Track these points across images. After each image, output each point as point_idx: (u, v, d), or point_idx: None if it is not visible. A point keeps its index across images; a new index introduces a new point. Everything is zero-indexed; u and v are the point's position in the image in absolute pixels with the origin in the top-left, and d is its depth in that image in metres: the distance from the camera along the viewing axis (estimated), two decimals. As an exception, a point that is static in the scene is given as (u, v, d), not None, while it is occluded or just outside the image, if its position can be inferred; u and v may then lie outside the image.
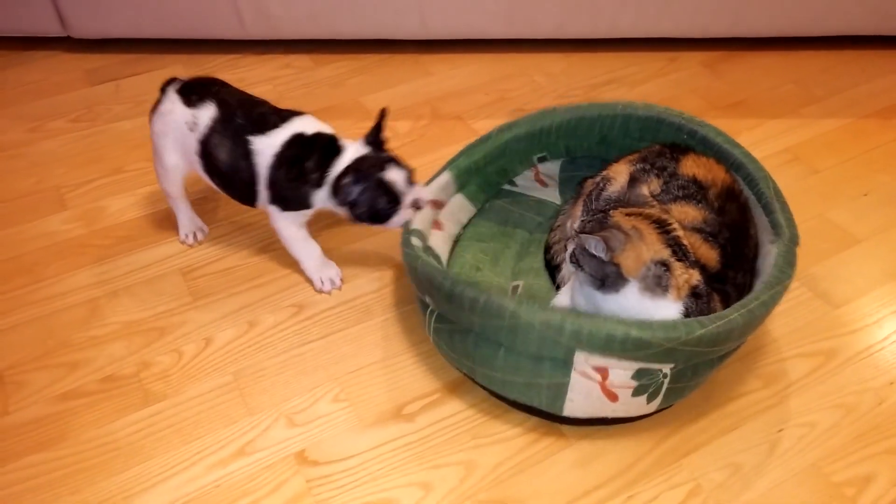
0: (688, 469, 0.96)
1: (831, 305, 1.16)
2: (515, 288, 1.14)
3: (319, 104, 1.61)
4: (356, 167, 1.05)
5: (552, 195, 1.30)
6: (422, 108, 1.60)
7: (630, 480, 0.95)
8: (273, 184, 1.09)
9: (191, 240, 1.28)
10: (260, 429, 1.01)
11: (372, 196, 1.05)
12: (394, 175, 1.06)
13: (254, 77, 1.71)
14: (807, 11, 1.63)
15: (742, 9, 1.63)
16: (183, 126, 1.13)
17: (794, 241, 0.99)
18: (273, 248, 1.26)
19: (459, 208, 1.22)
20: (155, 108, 1.17)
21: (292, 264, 1.22)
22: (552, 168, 1.29)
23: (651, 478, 0.95)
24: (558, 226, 1.21)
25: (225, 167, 1.12)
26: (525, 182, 1.29)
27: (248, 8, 1.67)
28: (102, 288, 1.20)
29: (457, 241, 1.21)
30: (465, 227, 1.24)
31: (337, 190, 1.06)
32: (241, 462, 0.97)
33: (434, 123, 1.56)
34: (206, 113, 1.11)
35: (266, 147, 1.08)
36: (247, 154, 1.09)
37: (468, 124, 1.55)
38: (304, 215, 1.14)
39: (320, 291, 1.20)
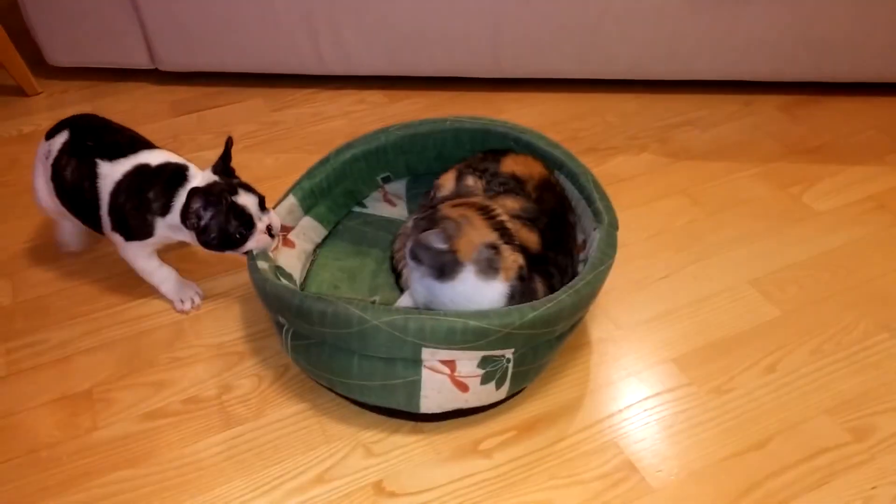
0: (775, 523, 0.93)
1: (923, 359, 1.12)
2: (373, 302, 1.17)
3: (394, 139, 1.65)
4: (206, 191, 1.05)
5: (401, 213, 1.34)
6: (495, 144, 1.62)
7: (714, 531, 0.92)
8: (113, 211, 1.12)
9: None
10: (338, 457, 1.01)
11: (223, 220, 1.05)
12: (245, 199, 1.07)
13: (330, 111, 1.76)
14: (890, 57, 1.61)
15: (822, 53, 1.61)
16: (43, 159, 1.18)
17: (613, 224, 1.08)
18: (350, 278, 1.28)
19: (310, 228, 1.25)
20: None
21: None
22: (398, 188, 1.34)
23: (736, 530, 0.92)
24: (400, 234, 1.25)
25: (70, 187, 1.15)
26: (374, 203, 1.34)
27: (327, 44, 1.73)
28: (186, 311, 1.24)
29: (314, 262, 1.25)
30: (319, 246, 1.27)
31: (186, 216, 1.05)
32: (319, 489, 0.98)
33: (507, 160, 1.57)
34: (59, 139, 1.16)
35: (110, 173, 1.11)
36: (92, 176, 1.12)
37: (541, 162, 1.56)
38: (150, 245, 1.16)
39: (181, 311, 1.22)
